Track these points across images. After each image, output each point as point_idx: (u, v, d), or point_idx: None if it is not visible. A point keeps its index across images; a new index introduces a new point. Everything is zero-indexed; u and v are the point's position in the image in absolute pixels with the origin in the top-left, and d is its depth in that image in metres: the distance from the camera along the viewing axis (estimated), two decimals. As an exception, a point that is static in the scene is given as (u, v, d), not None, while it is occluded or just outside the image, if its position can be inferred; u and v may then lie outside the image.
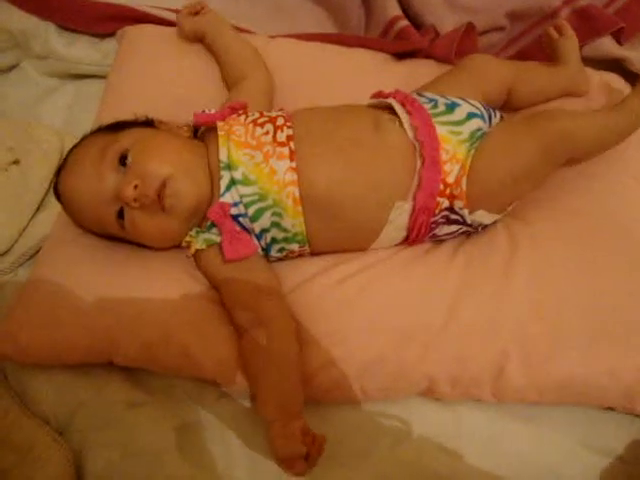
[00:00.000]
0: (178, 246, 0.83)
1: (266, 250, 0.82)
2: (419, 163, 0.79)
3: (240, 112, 0.86)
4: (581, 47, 1.10)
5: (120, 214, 0.77)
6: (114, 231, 0.80)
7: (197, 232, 0.80)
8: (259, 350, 0.75)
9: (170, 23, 1.08)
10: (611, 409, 0.80)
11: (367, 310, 0.80)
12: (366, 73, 1.04)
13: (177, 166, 0.77)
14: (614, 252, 0.84)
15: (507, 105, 0.98)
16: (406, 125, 0.81)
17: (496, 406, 0.80)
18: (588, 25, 1.10)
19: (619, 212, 0.87)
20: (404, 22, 1.09)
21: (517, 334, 0.78)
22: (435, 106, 0.83)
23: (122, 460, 0.76)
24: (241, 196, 0.78)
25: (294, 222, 0.79)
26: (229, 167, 0.78)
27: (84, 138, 0.84)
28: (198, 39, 1.01)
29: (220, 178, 0.79)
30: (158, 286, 0.81)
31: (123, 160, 0.76)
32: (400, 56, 1.06)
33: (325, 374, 0.78)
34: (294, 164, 0.78)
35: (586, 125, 0.83)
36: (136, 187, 0.74)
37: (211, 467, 0.77)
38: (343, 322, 0.79)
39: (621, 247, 0.84)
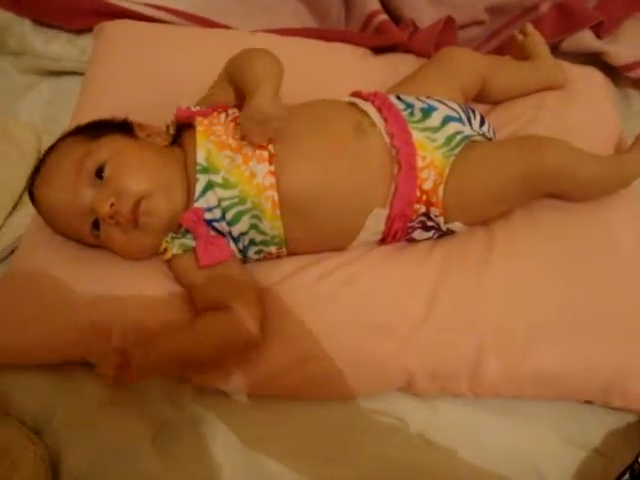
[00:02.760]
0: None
1: (243, 252, 0.81)
2: (396, 169, 0.79)
3: (220, 110, 0.84)
4: (561, 41, 1.12)
5: (95, 225, 0.77)
6: (90, 241, 0.80)
7: (172, 238, 0.79)
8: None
9: (147, 18, 1.07)
10: (589, 402, 0.80)
11: (347, 306, 0.79)
12: (345, 68, 1.03)
13: (153, 183, 0.76)
14: (593, 246, 0.84)
15: (484, 98, 0.98)
16: (382, 131, 0.80)
17: (475, 400, 0.80)
18: (568, 19, 1.11)
19: (599, 206, 0.87)
20: (383, 16, 1.09)
21: (495, 328, 0.78)
22: (412, 114, 0.83)
23: (99, 459, 0.75)
24: (219, 200, 0.77)
25: (272, 225, 0.78)
26: (207, 170, 0.77)
27: (60, 140, 0.83)
28: None
29: (196, 181, 0.78)
30: (134, 285, 0.80)
31: (99, 173, 0.76)
32: (379, 50, 1.06)
33: (305, 370, 0.77)
34: (273, 168, 0.77)
35: (580, 166, 0.81)
36: (112, 205, 0.74)
37: (187, 465, 0.76)
38: (323, 318, 0.79)
39: (600, 241, 0.84)
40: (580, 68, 1.07)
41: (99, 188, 0.76)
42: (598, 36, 1.11)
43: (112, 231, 0.77)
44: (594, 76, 1.06)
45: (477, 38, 1.15)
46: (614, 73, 1.11)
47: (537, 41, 1.02)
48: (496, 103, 1.00)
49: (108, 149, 0.78)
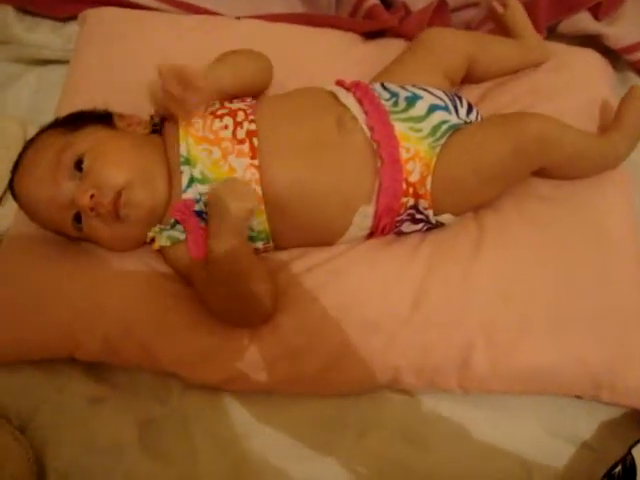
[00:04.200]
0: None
1: None
2: (379, 163, 0.77)
3: None
4: (558, 23, 1.08)
5: (77, 218, 0.76)
6: (72, 234, 0.79)
7: (160, 229, 0.78)
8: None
9: (132, 5, 1.05)
10: (578, 397, 0.79)
11: (333, 300, 0.78)
12: (335, 54, 1.01)
13: (133, 173, 0.75)
14: (584, 240, 0.82)
15: (470, 78, 0.95)
16: (363, 125, 0.78)
17: (462, 395, 0.79)
18: (565, 0, 1.06)
19: (590, 200, 0.85)
20: (373, 0, 1.05)
21: (483, 323, 0.77)
22: (396, 103, 0.81)
23: (84, 456, 0.76)
24: (200, 194, 0.76)
25: (257, 220, 0.77)
26: (188, 162, 0.76)
27: (39, 134, 0.82)
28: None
29: (181, 173, 0.77)
30: (117, 279, 0.80)
31: (79, 165, 0.75)
32: (370, 35, 1.03)
33: (289, 365, 0.77)
34: (256, 162, 0.75)
35: (565, 136, 0.81)
36: (92, 196, 0.73)
37: (173, 462, 0.76)
38: (309, 313, 0.78)
39: (591, 235, 0.82)
40: (577, 50, 1.03)
41: (79, 180, 0.75)
42: (596, 18, 1.07)
43: (94, 223, 0.76)
44: (591, 58, 1.03)
45: (471, 21, 1.11)
46: (613, 56, 1.07)
47: (518, 17, 0.98)
48: (480, 82, 0.97)
49: (87, 141, 0.77)
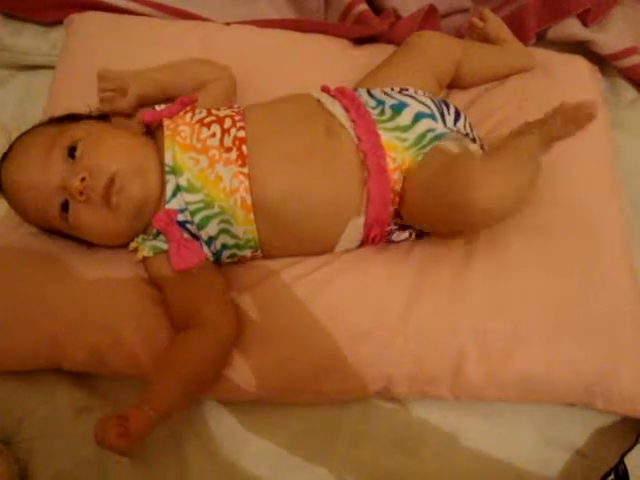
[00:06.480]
0: (125, 247, 0.80)
1: (216, 255, 0.79)
2: (366, 174, 0.76)
3: (187, 109, 0.82)
4: (547, 29, 1.09)
5: (64, 207, 0.74)
6: (57, 224, 0.76)
7: (143, 239, 0.77)
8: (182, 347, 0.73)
9: (118, 9, 1.04)
10: (571, 404, 0.79)
11: (323, 308, 0.77)
12: (324, 60, 1.00)
13: (128, 162, 0.74)
14: (575, 247, 0.82)
15: (457, 83, 0.96)
16: (351, 133, 0.77)
17: (455, 403, 0.78)
18: (554, 6, 1.07)
19: (581, 208, 0.85)
20: (363, 6, 1.05)
21: (475, 330, 0.76)
22: (382, 112, 0.80)
23: (71, 468, 0.74)
24: (186, 203, 0.74)
25: (245, 229, 0.76)
26: (174, 172, 0.75)
27: (34, 127, 0.81)
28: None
29: (166, 182, 0.75)
30: (105, 289, 0.78)
31: (72, 152, 0.73)
32: (360, 41, 1.03)
33: (279, 375, 0.76)
34: (245, 169, 0.74)
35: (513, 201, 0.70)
36: (83, 180, 0.71)
37: (162, 473, 0.75)
38: (299, 320, 0.77)
39: (582, 242, 0.82)
40: (565, 57, 1.04)
41: (71, 165, 0.73)
42: (585, 24, 1.08)
43: (82, 210, 0.73)
44: (580, 65, 1.03)
45: (461, 27, 1.11)
46: (602, 62, 1.08)
47: (498, 26, 1.00)
48: (468, 87, 0.98)
49: (83, 129, 0.76)
